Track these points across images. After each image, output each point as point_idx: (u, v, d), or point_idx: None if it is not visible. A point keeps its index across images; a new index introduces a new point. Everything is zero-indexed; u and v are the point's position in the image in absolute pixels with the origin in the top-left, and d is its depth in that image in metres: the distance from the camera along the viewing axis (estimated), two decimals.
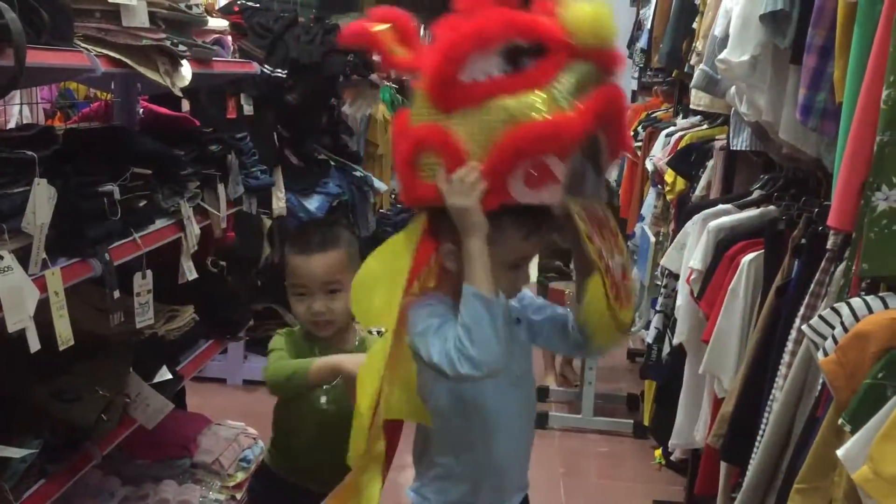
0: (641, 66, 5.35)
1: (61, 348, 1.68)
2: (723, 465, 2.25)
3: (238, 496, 2.72)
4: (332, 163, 4.19)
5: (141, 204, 2.05)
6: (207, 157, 2.41)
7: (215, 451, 2.72)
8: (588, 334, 1.49)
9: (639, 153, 4.63)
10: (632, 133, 4.87)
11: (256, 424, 3.05)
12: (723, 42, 2.33)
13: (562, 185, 1.38)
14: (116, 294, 1.89)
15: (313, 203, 3.87)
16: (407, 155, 1.43)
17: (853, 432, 1.39)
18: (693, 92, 3.08)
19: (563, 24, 1.35)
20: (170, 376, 2.21)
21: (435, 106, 1.39)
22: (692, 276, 2.45)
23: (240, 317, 2.87)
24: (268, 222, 3.61)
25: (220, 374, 4.04)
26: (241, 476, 2.75)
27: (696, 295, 2.42)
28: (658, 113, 4.75)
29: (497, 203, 1.38)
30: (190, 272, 2.31)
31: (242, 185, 2.61)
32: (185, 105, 3.12)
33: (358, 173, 4.42)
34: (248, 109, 3.44)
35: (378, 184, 4.66)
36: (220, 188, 2.45)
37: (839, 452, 1.39)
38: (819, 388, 1.68)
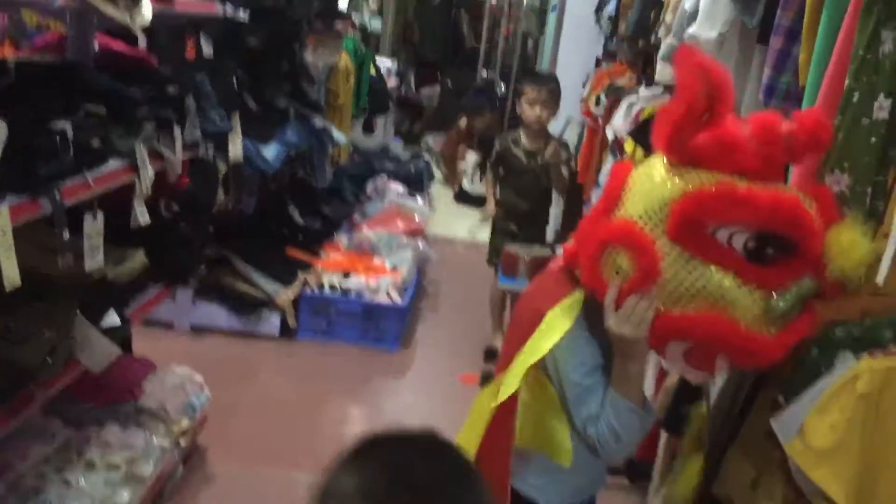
0: (608, 34, 5.35)
1: (8, 290, 1.65)
2: (663, 434, 2.32)
3: (182, 442, 2.73)
4: (292, 111, 4.12)
5: (94, 143, 2.00)
6: (165, 98, 2.36)
7: (161, 396, 2.71)
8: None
9: (600, 120, 4.65)
10: (594, 100, 4.88)
11: (203, 371, 3.05)
12: (691, 16, 2.34)
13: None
14: (66, 235, 1.85)
15: (271, 151, 3.81)
16: (600, 244, 1.40)
17: (787, 404, 1.44)
18: (659, 64, 3.09)
19: (826, 242, 1.31)
20: (118, 321, 2.19)
21: (664, 226, 1.33)
22: None
23: (191, 263, 2.85)
24: (223, 168, 3.55)
25: (167, 318, 4.00)
26: (186, 423, 2.76)
27: None
28: (621, 81, 4.76)
29: (658, 346, 1.42)
30: (142, 216, 2.27)
31: (199, 130, 2.56)
32: (142, 42, 3.03)
33: (317, 123, 4.36)
34: (207, 52, 3.35)
35: (337, 135, 4.61)
36: (177, 131, 2.40)
37: (773, 423, 1.44)
38: None
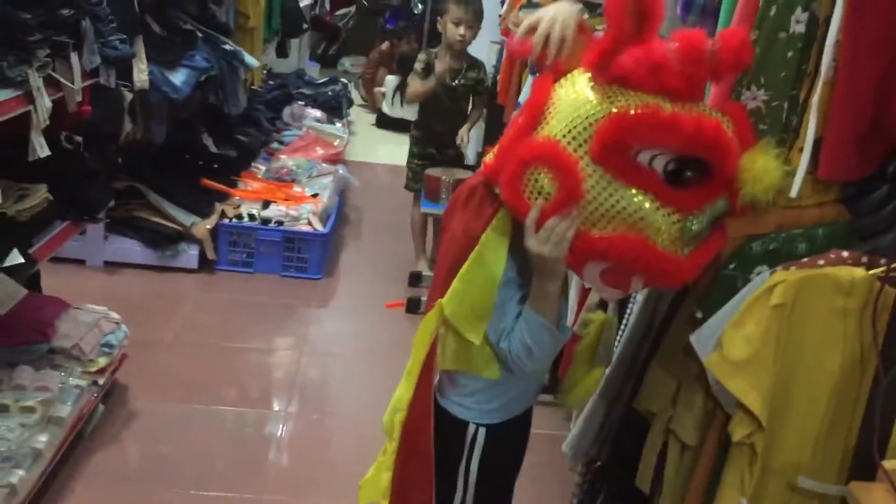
0: None
1: None
2: None
3: (101, 381, 2.66)
4: (200, 34, 3.93)
5: None
6: (58, 22, 2.20)
7: (75, 335, 2.63)
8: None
9: None
10: (513, 17, 4.81)
11: (119, 308, 2.96)
12: None
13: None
14: None
15: (179, 77, 3.65)
16: (523, 163, 1.38)
17: (705, 319, 1.47)
18: None
19: (741, 165, 1.33)
20: (21, 260, 2.08)
21: (588, 146, 1.32)
22: None
23: (99, 196, 2.73)
24: (129, 96, 3.38)
25: (78, 255, 3.86)
26: (103, 361, 2.68)
27: None
28: None
29: (576, 266, 1.43)
30: (41, 148, 2.15)
31: (99, 56, 2.42)
32: None
33: (227, 47, 4.18)
34: None
35: (249, 59, 4.43)
36: (74, 57, 2.26)
37: (691, 337, 1.47)
38: None
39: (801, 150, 1.43)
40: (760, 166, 1.32)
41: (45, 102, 2.08)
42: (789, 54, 1.39)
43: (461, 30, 3.88)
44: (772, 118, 1.43)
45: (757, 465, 1.41)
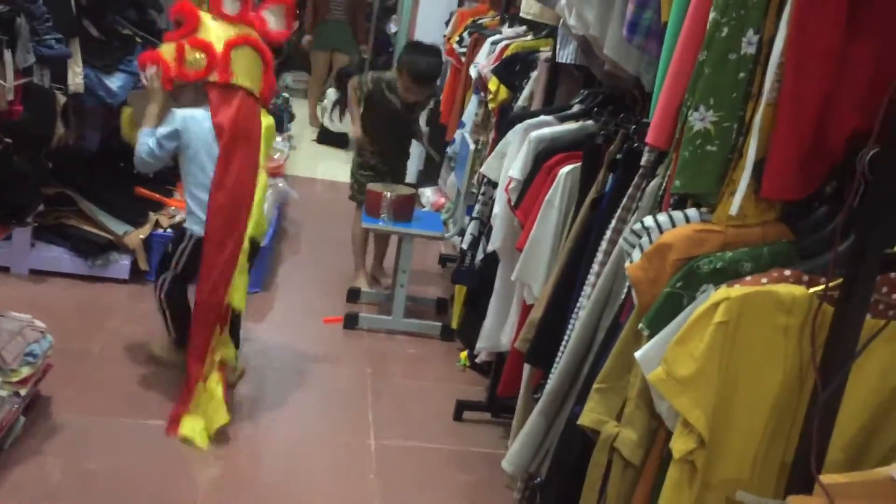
0: None
1: None
2: (526, 367, 2.35)
3: (22, 392, 2.54)
4: (138, 39, 3.84)
5: None
6: None
7: None
8: None
9: (463, 59, 4.62)
10: (457, 39, 4.84)
11: (45, 318, 2.85)
12: None
13: None
14: None
15: (115, 82, 3.54)
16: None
17: (651, 337, 1.48)
18: (524, 1, 3.07)
19: None
20: None
21: None
22: (510, 185, 2.48)
23: (28, 200, 2.63)
24: (62, 99, 3.28)
25: (2, 262, 3.70)
26: (26, 371, 2.57)
27: (513, 204, 2.47)
28: (484, 20, 4.73)
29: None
30: None
31: (34, 54, 2.34)
32: None
33: None
34: None
35: None
36: (7, 55, 2.18)
37: (637, 354, 1.47)
38: (623, 296, 1.77)
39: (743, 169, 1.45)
40: None
41: None
42: (740, 75, 1.42)
43: (412, 96, 4.00)
44: (721, 139, 1.45)
45: (697, 480, 1.42)
